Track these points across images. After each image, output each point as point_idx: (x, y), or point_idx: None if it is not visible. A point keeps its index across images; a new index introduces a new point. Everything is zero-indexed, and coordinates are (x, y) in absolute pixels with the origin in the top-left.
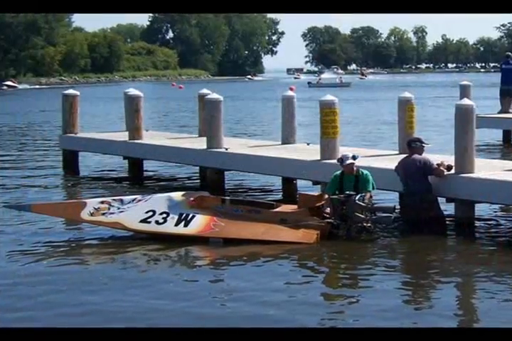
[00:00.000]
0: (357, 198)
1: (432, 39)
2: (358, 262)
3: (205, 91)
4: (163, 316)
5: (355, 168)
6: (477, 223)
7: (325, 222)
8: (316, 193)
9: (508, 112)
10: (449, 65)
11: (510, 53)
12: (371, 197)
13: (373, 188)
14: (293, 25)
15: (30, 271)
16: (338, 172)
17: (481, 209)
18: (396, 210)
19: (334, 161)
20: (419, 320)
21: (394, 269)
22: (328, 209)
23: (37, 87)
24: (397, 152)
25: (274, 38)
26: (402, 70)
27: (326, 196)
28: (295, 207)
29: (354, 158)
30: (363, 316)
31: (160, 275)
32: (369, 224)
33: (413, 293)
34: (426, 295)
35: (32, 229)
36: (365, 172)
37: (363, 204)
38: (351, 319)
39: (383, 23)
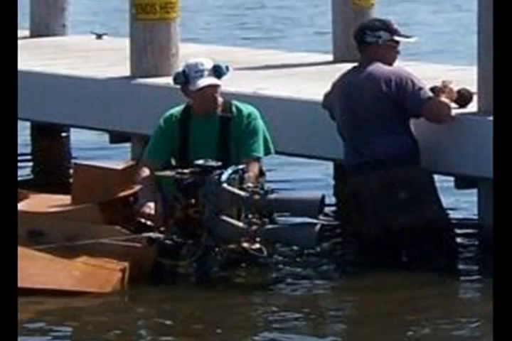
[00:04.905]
0: (225, 177)
1: None
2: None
3: None
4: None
5: (220, 99)
6: None
7: (141, 237)
8: (119, 163)
9: None
10: None
11: None
12: (263, 174)
13: (269, 152)
14: None
15: None
16: (178, 108)
17: None
18: (325, 210)
19: (162, 80)
20: None
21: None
22: (148, 207)
23: None
24: (329, 58)
25: None
26: None
27: (146, 171)
28: (67, 198)
29: (218, 71)
30: None
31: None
32: (257, 245)
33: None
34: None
35: None
36: (248, 110)
37: (242, 192)
38: None
39: None
